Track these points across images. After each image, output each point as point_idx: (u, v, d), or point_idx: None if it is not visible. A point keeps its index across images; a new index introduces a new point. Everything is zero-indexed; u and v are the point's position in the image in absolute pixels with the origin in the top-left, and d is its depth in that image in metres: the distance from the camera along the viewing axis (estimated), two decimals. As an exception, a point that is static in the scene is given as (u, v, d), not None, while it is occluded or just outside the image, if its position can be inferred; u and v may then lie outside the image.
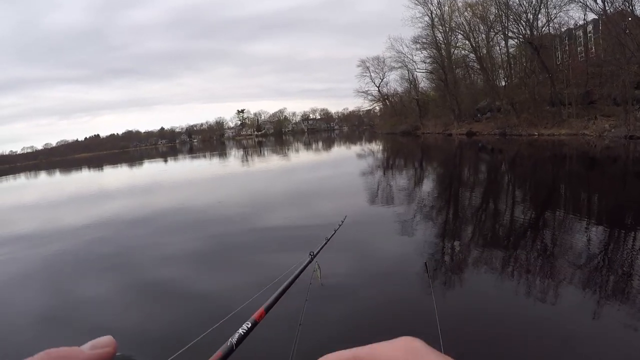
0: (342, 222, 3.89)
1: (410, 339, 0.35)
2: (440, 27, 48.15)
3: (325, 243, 3.01)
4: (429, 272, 3.24)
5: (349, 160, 29.71)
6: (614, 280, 5.44)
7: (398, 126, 60.29)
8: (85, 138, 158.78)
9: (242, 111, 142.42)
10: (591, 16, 32.52)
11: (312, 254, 2.58)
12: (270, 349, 3.87)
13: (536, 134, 32.07)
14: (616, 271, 5.74)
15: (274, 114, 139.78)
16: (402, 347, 0.34)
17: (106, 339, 0.39)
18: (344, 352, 0.38)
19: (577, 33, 35.48)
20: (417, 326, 4.30)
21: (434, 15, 47.82)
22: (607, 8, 29.12)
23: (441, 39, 48.89)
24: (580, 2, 31.24)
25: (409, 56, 58.11)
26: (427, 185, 15.37)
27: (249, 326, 1.48)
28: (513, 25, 36.76)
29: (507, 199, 11.89)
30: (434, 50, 50.05)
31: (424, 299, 3.77)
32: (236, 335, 1.38)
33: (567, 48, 36.33)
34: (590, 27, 34.04)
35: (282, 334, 2.73)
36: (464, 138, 39.66)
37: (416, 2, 47.58)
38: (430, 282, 3.22)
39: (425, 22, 48.79)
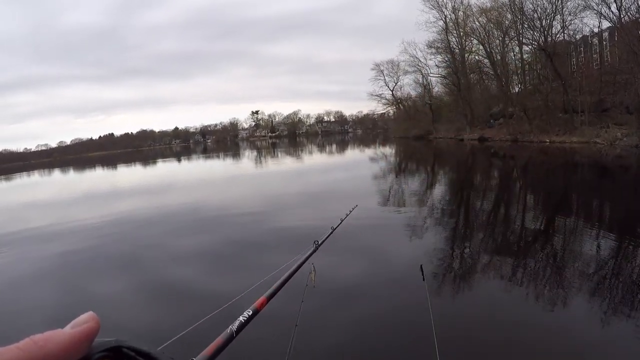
0: (350, 211, 3.85)
1: None
2: (455, 32, 48.27)
3: (331, 233, 2.94)
4: (424, 275, 3.33)
5: (362, 163, 30.03)
6: (623, 289, 5.41)
7: (411, 130, 60.24)
8: (100, 137, 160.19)
9: (257, 112, 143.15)
10: (606, 24, 32.51)
11: (316, 243, 2.52)
12: (266, 349, 3.97)
13: (547, 141, 32.12)
14: (626, 281, 5.71)
15: (288, 116, 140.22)
16: None
17: (87, 316, 0.39)
18: None
19: (592, 41, 35.38)
20: (412, 329, 4.48)
21: (448, 20, 47.97)
22: (622, 16, 29.11)
23: (455, 43, 49.02)
24: (595, 9, 31.27)
25: (422, 60, 58.16)
26: (436, 190, 15.67)
27: (249, 314, 1.46)
28: (527, 32, 36.83)
29: (517, 206, 12.07)
30: (448, 55, 50.13)
31: (419, 302, 3.86)
32: (236, 323, 1.37)
33: (582, 55, 36.22)
34: (606, 35, 33.94)
35: (278, 335, 2.77)
36: (475, 143, 39.75)
37: (430, 6, 47.77)
38: (425, 285, 3.26)
39: (440, 27, 48.98)
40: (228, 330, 1.30)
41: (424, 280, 3.34)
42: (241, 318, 1.41)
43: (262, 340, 3.93)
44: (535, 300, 5.17)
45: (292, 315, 2.44)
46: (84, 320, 0.38)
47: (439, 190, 15.39)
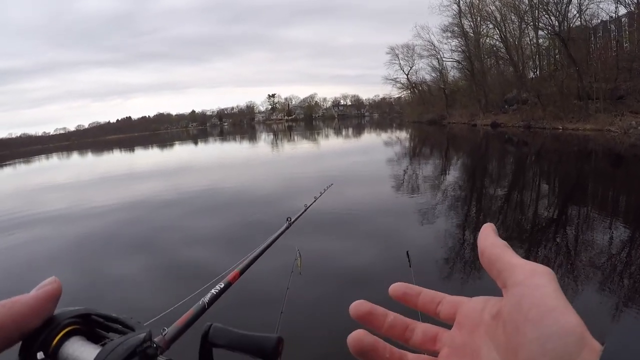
0: (326, 189, 3.71)
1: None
2: (469, 16, 48.03)
3: (305, 210, 2.87)
4: (410, 261, 3.32)
5: (377, 148, 30.38)
6: (636, 281, 5.38)
7: (425, 115, 60.29)
8: (117, 120, 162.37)
9: (273, 96, 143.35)
10: (624, 10, 32.17)
11: (289, 219, 2.44)
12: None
13: (560, 128, 32.04)
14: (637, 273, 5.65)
15: (305, 99, 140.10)
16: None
17: (49, 279, 0.41)
18: None
19: (610, 26, 34.93)
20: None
21: (462, 4, 47.78)
22: (639, 1, 28.83)
23: (469, 27, 48.79)
24: (612, -6, 30.96)
25: (437, 45, 57.90)
26: (447, 177, 15.94)
27: (221, 287, 1.47)
28: (543, 16, 36.55)
29: (529, 193, 12.26)
30: (462, 39, 49.88)
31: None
32: (208, 295, 1.38)
33: (600, 41, 35.77)
34: (625, 20, 33.47)
35: (263, 322, 2.83)
36: (488, 129, 39.64)
37: (445, -11, 47.55)
38: (412, 272, 3.20)
39: (454, 10, 48.84)
40: (200, 302, 1.32)
41: (410, 266, 3.36)
42: (213, 290, 1.42)
43: (247, 328, 4.29)
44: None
45: (277, 302, 2.48)
46: (47, 283, 0.41)
47: (451, 177, 15.70)
